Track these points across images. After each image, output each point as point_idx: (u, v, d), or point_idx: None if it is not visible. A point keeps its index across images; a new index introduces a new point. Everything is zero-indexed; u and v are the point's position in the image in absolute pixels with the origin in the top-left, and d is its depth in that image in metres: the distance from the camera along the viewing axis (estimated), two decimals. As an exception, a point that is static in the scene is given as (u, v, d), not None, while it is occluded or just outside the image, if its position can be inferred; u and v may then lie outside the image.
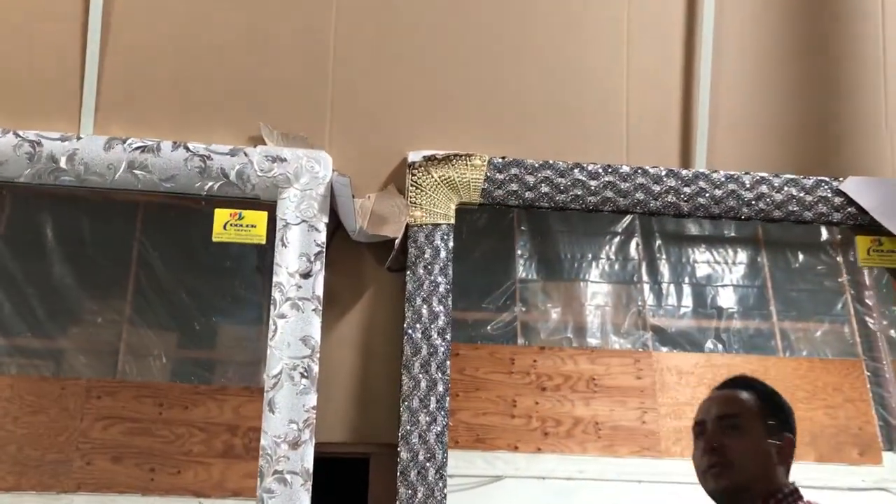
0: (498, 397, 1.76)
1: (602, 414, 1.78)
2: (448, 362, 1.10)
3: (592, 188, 1.13)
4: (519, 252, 1.82)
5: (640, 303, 1.88)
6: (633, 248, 1.89)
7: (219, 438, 1.66)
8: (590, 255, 1.87)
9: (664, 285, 1.90)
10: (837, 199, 1.11)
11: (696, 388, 1.84)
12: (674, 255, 1.90)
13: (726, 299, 1.91)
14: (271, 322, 1.00)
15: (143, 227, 1.66)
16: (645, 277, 1.89)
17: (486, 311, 1.81)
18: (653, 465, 1.77)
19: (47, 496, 1.61)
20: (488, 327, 1.81)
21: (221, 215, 1.08)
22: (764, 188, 1.12)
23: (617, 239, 1.89)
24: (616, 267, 1.88)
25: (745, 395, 1.61)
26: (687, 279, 1.91)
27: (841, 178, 1.13)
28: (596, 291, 1.87)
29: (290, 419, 0.99)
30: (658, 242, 1.92)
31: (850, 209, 1.11)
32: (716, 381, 1.84)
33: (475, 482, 1.71)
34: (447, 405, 1.05)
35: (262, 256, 1.07)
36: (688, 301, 1.90)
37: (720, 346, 1.88)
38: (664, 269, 1.91)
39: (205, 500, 1.63)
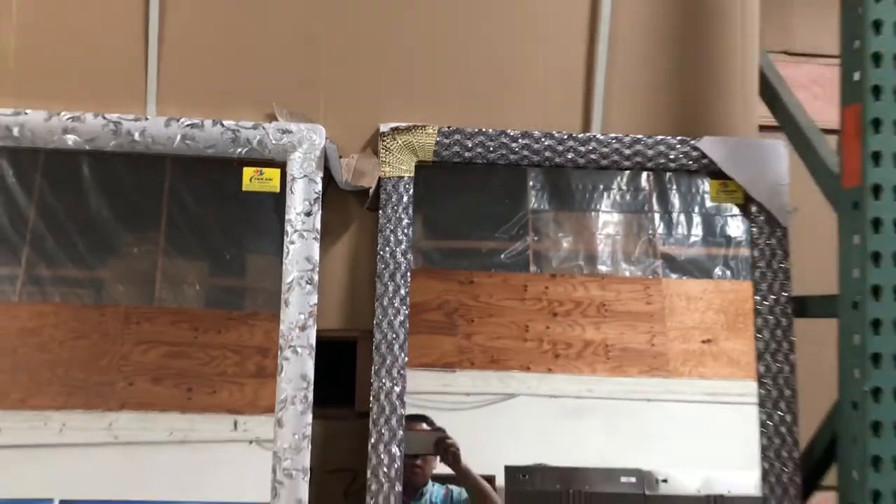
0: (511, 322, 1.85)
1: (612, 337, 1.86)
2: (408, 274, 1.49)
3: (514, 149, 1.51)
4: (531, 183, 1.88)
5: (650, 231, 1.94)
6: (644, 178, 1.94)
7: (251, 360, 1.76)
8: (601, 186, 1.92)
9: (674, 214, 1.95)
10: (695, 154, 1.46)
11: (705, 312, 1.91)
12: (684, 186, 1.95)
13: (735, 228, 1.96)
14: (285, 247, 1.41)
15: (171, 170, 1.75)
16: (655, 207, 1.94)
17: (499, 240, 1.89)
18: (661, 384, 1.85)
19: (94, 414, 1.73)
20: (502, 256, 1.89)
21: (248, 172, 1.47)
22: (639, 147, 1.50)
23: (628, 170, 1.95)
24: (627, 197, 1.93)
25: None
26: (696, 209, 1.96)
27: (698, 138, 1.48)
28: (607, 221, 1.93)
29: (300, 311, 1.40)
30: (669, 174, 1.98)
31: (704, 161, 1.45)
32: (723, 307, 1.90)
33: (490, 399, 1.81)
34: (408, 302, 1.46)
35: (278, 201, 1.46)
36: (697, 230, 1.95)
37: (728, 273, 1.94)
38: (674, 199, 1.97)
39: (239, 417, 1.74)
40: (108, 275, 1.79)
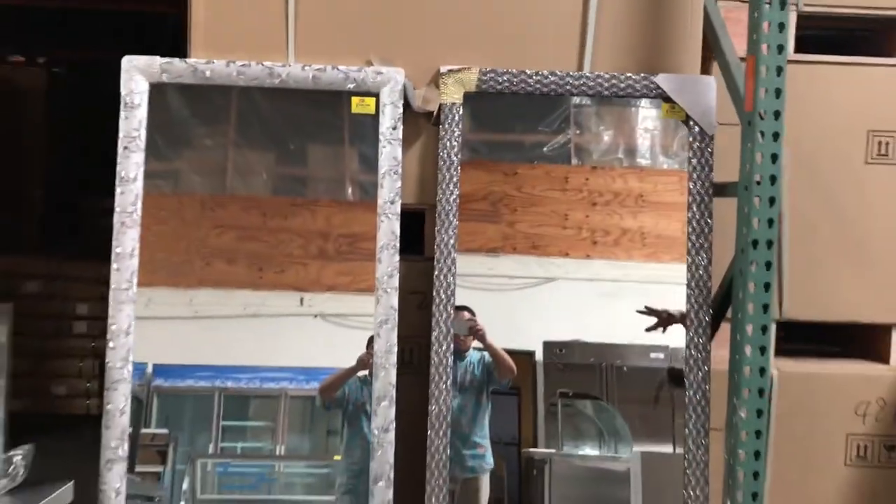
0: (552, 211, 1.98)
1: (648, 225, 1.98)
2: (459, 168, 1.93)
3: (530, 83, 1.94)
4: (574, 80, 1.98)
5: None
6: (684, 74, 2.01)
7: (314, 243, 1.94)
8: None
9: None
10: (653, 85, 1.92)
11: (738, 203, 2.00)
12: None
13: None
14: (379, 150, 1.90)
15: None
16: (695, 102, 2.01)
17: (542, 133, 2.00)
18: (693, 270, 1.97)
19: (176, 291, 1.93)
20: (544, 149, 2.00)
21: (355, 100, 1.93)
22: (614, 81, 1.94)
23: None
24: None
25: None
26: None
27: (655, 74, 1.95)
28: (646, 116, 2.02)
29: (389, 192, 1.89)
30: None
31: (659, 90, 1.92)
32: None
33: (531, 282, 1.97)
34: (458, 186, 1.92)
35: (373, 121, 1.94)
36: (736, 123, 2.02)
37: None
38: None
39: (305, 294, 1.94)
40: (185, 166, 1.96)
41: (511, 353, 1.92)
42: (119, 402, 1.78)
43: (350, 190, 1.98)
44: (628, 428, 1.91)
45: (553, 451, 1.91)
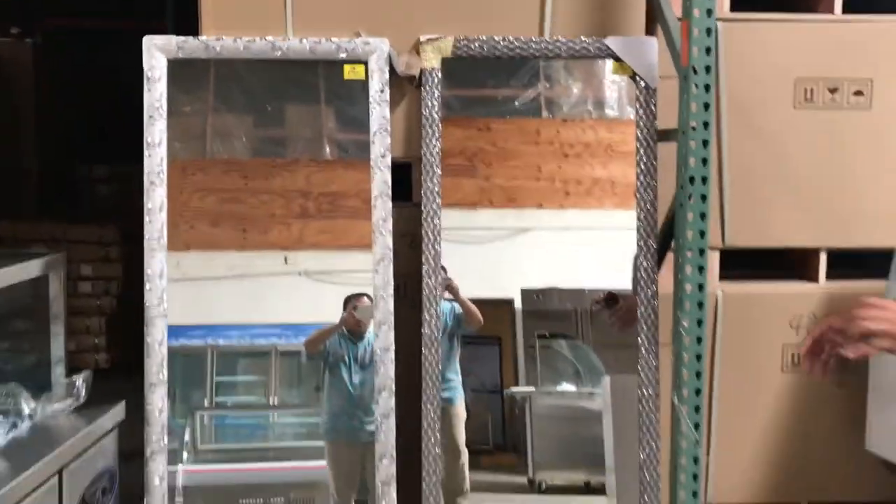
0: (525, 164, 2.04)
1: (617, 175, 2.05)
2: (440, 124, 2.06)
3: (499, 48, 2.07)
4: (543, 35, 2.03)
5: (652, 74, 2.07)
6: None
7: (295, 202, 1.99)
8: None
9: (677, 58, 2.08)
10: (603, 47, 2.10)
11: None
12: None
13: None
14: (370, 111, 2.05)
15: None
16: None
17: (513, 87, 2.06)
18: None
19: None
20: (516, 103, 2.06)
21: (347, 67, 2.07)
22: (571, 44, 2.10)
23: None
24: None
25: None
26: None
27: (605, 37, 2.13)
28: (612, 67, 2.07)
29: (380, 147, 2.03)
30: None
31: (609, 50, 2.09)
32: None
33: (508, 233, 2.04)
34: (440, 141, 2.05)
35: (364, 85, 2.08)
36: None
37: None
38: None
39: (289, 253, 1.99)
40: (169, 133, 1.99)
41: (490, 301, 2.01)
42: (157, 335, 1.96)
43: (328, 149, 2.03)
44: (602, 365, 2.01)
45: (532, 388, 2.00)
